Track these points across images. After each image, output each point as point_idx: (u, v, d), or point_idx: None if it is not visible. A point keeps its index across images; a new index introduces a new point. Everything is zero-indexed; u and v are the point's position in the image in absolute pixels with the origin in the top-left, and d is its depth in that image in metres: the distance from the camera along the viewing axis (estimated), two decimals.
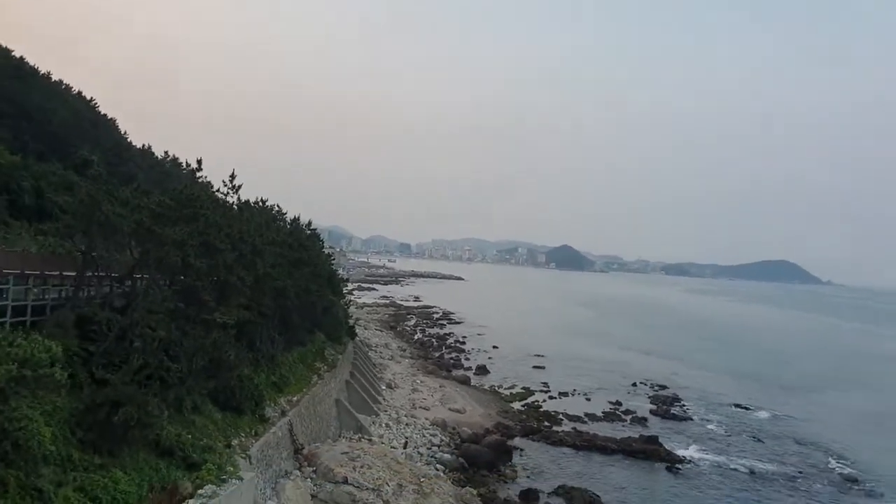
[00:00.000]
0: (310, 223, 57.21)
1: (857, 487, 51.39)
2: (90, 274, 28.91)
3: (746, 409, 78.00)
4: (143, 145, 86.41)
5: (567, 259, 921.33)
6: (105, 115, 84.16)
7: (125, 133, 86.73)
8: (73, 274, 28.22)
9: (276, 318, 44.57)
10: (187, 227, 27.45)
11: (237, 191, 36.88)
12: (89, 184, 29.98)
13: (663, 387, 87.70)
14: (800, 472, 53.86)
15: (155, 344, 27.13)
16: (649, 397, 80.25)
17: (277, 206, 50.94)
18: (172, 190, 30.41)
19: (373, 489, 33.11)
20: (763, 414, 75.93)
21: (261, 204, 49.35)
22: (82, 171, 53.30)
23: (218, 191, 41.37)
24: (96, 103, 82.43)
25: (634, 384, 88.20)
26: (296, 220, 54.58)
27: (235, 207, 44.58)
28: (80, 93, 79.30)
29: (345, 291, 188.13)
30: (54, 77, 72.11)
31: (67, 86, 76.86)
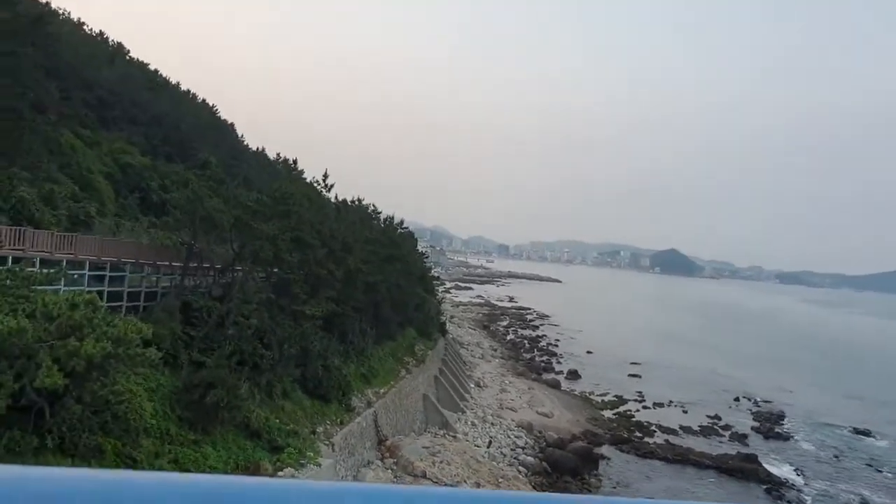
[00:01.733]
0: (402, 222, 58.65)
1: None
2: (195, 265, 31.16)
3: (864, 434, 71.88)
4: (258, 147, 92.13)
5: (673, 264, 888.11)
6: (224, 120, 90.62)
7: (241, 136, 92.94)
8: (180, 264, 30.56)
9: (369, 312, 46.10)
10: (280, 223, 29.05)
11: (329, 189, 38.46)
12: (196, 181, 32.28)
13: (768, 402, 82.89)
14: None
15: (248, 331, 28.85)
16: (752, 413, 76.14)
17: (373, 205, 52.67)
18: (270, 188, 32.27)
19: (449, 486, 33.59)
20: (883, 442, 69.53)
21: (357, 203, 51.13)
22: (202, 171, 57.58)
23: (319, 187, 43.60)
24: (217, 109, 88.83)
25: (737, 399, 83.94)
26: (390, 218, 56.19)
27: (334, 207, 46.59)
28: (203, 100, 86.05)
29: (441, 290, 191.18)
30: (184, 87, 79.22)
31: (194, 94, 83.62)
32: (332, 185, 44.19)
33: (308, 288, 32.46)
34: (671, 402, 77.44)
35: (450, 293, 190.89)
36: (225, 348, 25.48)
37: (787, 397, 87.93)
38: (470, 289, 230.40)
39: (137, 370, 18.53)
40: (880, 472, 57.80)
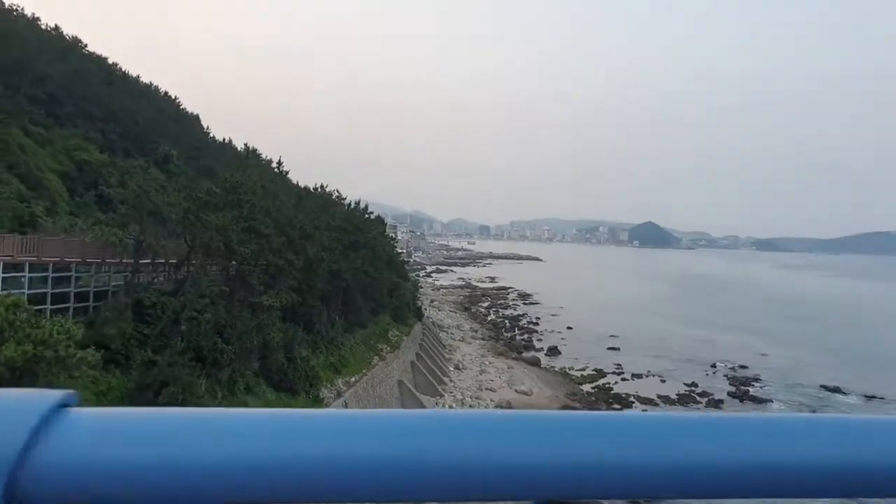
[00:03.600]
0: (366, 207, 57.73)
1: None
2: (146, 261, 30.17)
3: (834, 391, 73.17)
4: (224, 139, 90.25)
5: (651, 236, 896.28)
6: (187, 111, 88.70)
7: (207, 128, 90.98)
8: (131, 261, 29.55)
9: (337, 300, 45.37)
10: (231, 214, 28.15)
11: (284, 175, 37.51)
12: (140, 176, 31.22)
13: (744, 367, 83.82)
14: None
15: (205, 326, 28.01)
16: (728, 378, 76.92)
17: (337, 191, 51.70)
18: (221, 179, 31.30)
19: None
20: (852, 398, 70.92)
21: (320, 190, 50.14)
22: (163, 165, 56.12)
23: (280, 174, 42.61)
24: (179, 101, 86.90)
25: (714, 365, 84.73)
26: (356, 204, 55.26)
27: (296, 195, 45.56)
28: (166, 93, 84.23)
29: (422, 274, 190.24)
30: (145, 79, 77.62)
31: (156, 87, 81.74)
32: (286, 171, 43.14)
33: (265, 278, 31.66)
34: (649, 372, 77.91)
35: (431, 277, 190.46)
36: (177, 345, 24.66)
37: (762, 361, 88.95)
38: (451, 271, 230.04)
39: (74, 373, 17.67)
40: None
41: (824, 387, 74.10)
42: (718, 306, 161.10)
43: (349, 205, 52.84)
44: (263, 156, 79.08)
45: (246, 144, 77.89)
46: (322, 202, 47.17)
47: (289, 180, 71.85)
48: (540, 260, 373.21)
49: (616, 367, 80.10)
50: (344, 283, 42.09)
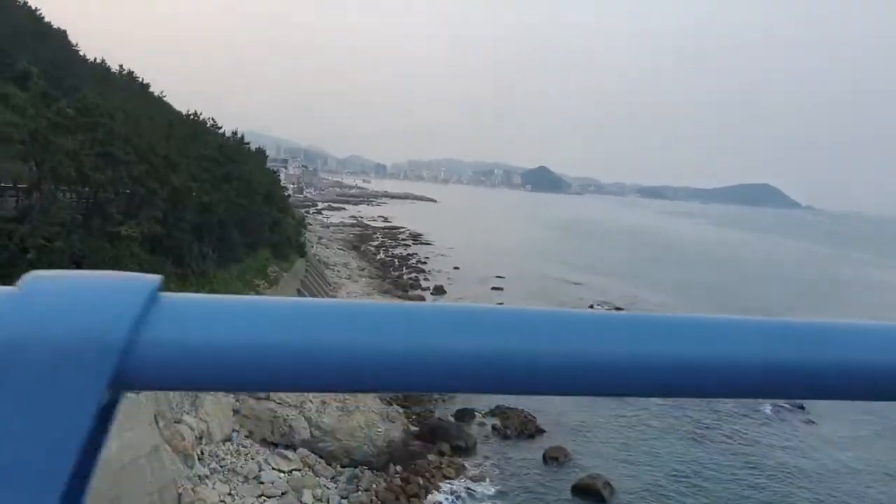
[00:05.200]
0: (243, 137, 55.19)
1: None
2: None
3: None
4: (95, 58, 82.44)
5: (543, 181, 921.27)
6: (51, 25, 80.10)
7: (76, 45, 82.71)
8: None
9: (211, 234, 43.65)
10: (84, 137, 26.02)
11: (163, 101, 34.96)
12: None
13: (619, 309, 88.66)
14: None
15: (54, 256, 26.20)
16: None
17: (212, 119, 48.92)
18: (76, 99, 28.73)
19: (295, 406, 33.30)
20: None
21: (193, 117, 47.30)
22: (21, 83, 50.72)
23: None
24: (42, 15, 78.30)
25: (591, 306, 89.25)
26: (234, 134, 52.65)
27: (167, 122, 42.77)
28: (25, 2, 75.41)
29: (313, 211, 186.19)
30: None
31: None
32: (163, 95, 40.26)
33: (127, 208, 29.77)
34: None
35: (321, 214, 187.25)
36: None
37: (636, 304, 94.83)
38: (343, 209, 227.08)
39: None
40: None
41: None
42: (600, 251, 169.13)
43: (223, 134, 50.24)
44: (140, 79, 73.46)
45: (121, 65, 72.01)
46: (194, 130, 44.55)
47: (170, 107, 67.40)
48: (435, 201, 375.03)
49: (498, 305, 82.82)
50: (216, 216, 40.41)
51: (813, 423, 49.33)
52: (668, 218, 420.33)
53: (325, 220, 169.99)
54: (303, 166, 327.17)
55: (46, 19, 78.16)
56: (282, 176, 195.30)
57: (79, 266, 26.10)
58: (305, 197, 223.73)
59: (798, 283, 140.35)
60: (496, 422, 42.84)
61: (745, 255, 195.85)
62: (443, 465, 36.71)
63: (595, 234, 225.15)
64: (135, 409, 22.49)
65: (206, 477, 27.46)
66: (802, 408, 50.91)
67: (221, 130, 50.04)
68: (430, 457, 37.36)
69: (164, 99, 69.27)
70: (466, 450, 39.32)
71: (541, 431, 42.79)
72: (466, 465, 37.70)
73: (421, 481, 34.59)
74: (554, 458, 38.84)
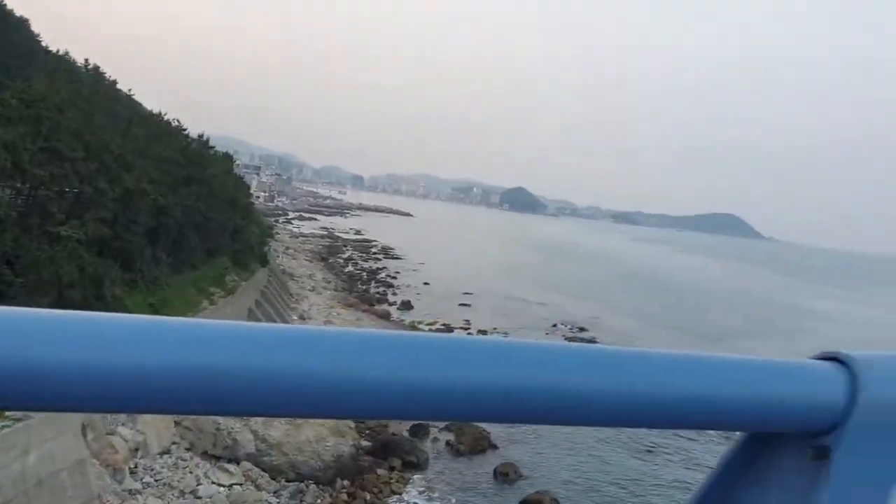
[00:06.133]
0: (208, 140, 54.07)
1: None
2: None
3: None
4: (58, 50, 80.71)
5: (521, 202, 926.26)
6: (13, 13, 78.19)
7: (38, 35, 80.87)
8: None
9: (167, 238, 42.45)
10: (25, 129, 24.92)
11: (131, 99, 33.90)
12: None
13: (583, 329, 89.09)
14: None
15: None
16: (566, 338, 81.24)
17: (177, 120, 47.81)
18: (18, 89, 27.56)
19: (239, 418, 32.22)
20: None
21: (157, 117, 46.17)
22: None
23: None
24: (4, 3, 76.40)
25: (555, 325, 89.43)
26: (199, 137, 51.52)
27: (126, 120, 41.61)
28: None
29: (283, 220, 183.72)
30: None
31: None
32: (131, 93, 39.18)
33: (68, 207, 28.59)
34: (495, 328, 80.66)
35: (292, 224, 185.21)
36: None
37: (599, 324, 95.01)
38: (315, 220, 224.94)
39: None
40: None
41: None
42: (571, 272, 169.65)
43: (187, 136, 49.07)
44: (108, 75, 71.93)
45: (86, 59, 70.33)
46: (157, 131, 43.41)
47: (140, 107, 65.86)
48: (411, 215, 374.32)
49: (465, 322, 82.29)
50: (173, 220, 39.24)
51: None
52: (641, 244, 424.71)
53: (294, 229, 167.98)
54: (276, 174, 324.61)
55: (9, 6, 76.26)
56: (254, 183, 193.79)
57: (10, 266, 24.91)
58: (277, 205, 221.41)
59: (746, 308, 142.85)
60: (451, 437, 42.20)
61: (705, 281, 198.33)
62: (392, 481, 36.36)
63: (567, 256, 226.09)
64: (57, 418, 21.30)
65: (138, 492, 26.24)
66: None
67: (186, 132, 48.88)
68: (380, 472, 36.91)
69: (133, 97, 67.92)
70: (418, 465, 38.97)
71: (494, 447, 42.45)
72: (417, 480, 37.27)
73: (368, 496, 34.05)
74: (504, 475, 38.78)
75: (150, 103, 63.62)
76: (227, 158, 60.08)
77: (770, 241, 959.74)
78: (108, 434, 26.90)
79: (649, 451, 46.24)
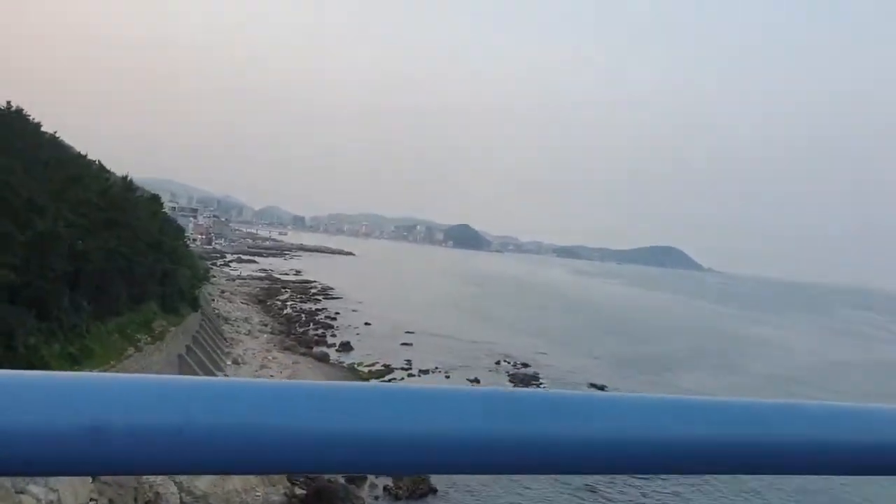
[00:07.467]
0: (131, 182, 52.49)
1: None
2: None
3: (599, 388, 79.93)
4: None
5: (465, 238, 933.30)
6: None
7: None
8: None
9: (88, 284, 40.61)
10: None
11: (57, 142, 32.56)
12: None
13: (526, 365, 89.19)
14: None
15: None
16: (510, 375, 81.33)
17: (98, 161, 46.25)
18: None
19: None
20: (614, 394, 77.98)
21: (80, 158, 44.61)
22: None
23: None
24: None
25: (498, 362, 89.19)
26: (123, 178, 49.97)
27: (42, 162, 39.98)
28: None
29: (220, 262, 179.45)
30: None
31: None
32: (56, 135, 37.69)
33: None
34: (437, 367, 79.97)
35: (229, 266, 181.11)
36: None
37: (542, 359, 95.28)
38: (254, 262, 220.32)
39: None
40: None
41: (593, 384, 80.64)
42: (513, 307, 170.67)
43: (108, 179, 47.44)
44: (31, 117, 69.26)
45: (8, 102, 67.78)
46: (76, 173, 41.86)
47: (67, 149, 63.51)
48: (352, 254, 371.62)
49: (406, 362, 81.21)
50: (93, 265, 37.62)
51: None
52: (583, 277, 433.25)
53: (232, 272, 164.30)
54: (214, 216, 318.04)
55: None
56: (190, 226, 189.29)
57: None
58: (214, 248, 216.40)
59: (689, 336, 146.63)
60: (388, 483, 41.07)
61: (644, 310, 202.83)
62: None
63: (509, 290, 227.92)
64: None
65: None
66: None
67: (108, 176, 47.30)
68: None
69: (59, 140, 65.52)
70: None
71: (433, 491, 41.43)
72: None
73: None
74: None
75: (93, 149, 61.07)
76: (155, 200, 58.39)
77: (710, 273, 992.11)
78: (17, 493, 25.03)
79: (595, 491, 45.47)
